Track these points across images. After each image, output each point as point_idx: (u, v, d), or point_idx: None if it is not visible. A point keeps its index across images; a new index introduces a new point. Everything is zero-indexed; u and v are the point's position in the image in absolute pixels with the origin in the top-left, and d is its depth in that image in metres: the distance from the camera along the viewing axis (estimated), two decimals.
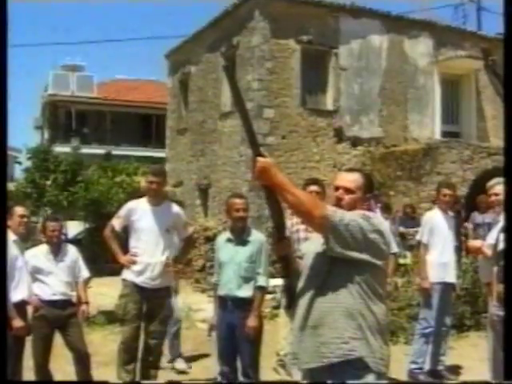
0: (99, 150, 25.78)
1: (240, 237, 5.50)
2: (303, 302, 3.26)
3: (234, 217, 5.49)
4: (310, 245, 3.54)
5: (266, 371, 6.03)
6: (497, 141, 18.17)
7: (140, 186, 6.48)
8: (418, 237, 7.17)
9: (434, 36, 18.44)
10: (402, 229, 12.96)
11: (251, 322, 5.33)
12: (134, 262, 5.95)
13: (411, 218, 13.40)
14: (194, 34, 19.89)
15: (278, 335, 5.54)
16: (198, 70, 19.68)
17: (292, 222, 5.33)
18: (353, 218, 3.13)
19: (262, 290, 5.44)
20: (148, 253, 5.97)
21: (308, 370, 3.28)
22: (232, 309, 5.41)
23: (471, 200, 12.73)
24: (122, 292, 6.07)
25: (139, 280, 5.95)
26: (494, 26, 30.17)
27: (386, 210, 12.24)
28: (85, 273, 6.37)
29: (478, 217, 11.90)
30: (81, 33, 70.41)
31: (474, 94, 18.91)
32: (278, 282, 7.52)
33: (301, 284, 3.34)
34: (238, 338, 5.42)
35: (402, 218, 13.68)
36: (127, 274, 6.03)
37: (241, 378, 5.59)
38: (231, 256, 5.47)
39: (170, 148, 22.06)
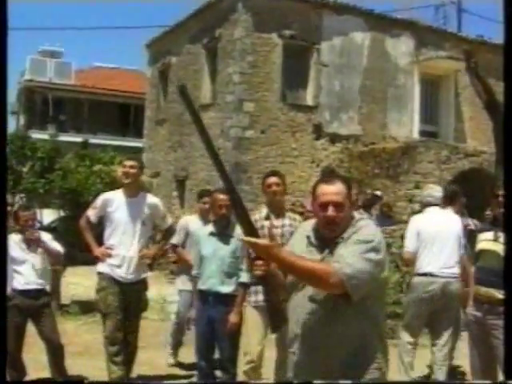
0: (76, 138, 25.44)
1: (224, 231, 5.47)
2: (307, 327, 3.02)
3: (217, 213, 5.47)
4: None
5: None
6: (474, 142, 18.37)
7: (117, 175, 6.36)
8: None
9: (416, 36, 18.53)
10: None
11: (233, 318, 5.33)
12: (109, 255, 5.84)
13: (388, 217, 13.46)
14: (175, 24, 19.78)
15: (250, 338, 5.31)
16: (178, 61, 19.57)
17: (255, 218, 5.22)
18: (362, 267, 2.87)
19: (245, 286, 5.41)
20: (124, 245, 5.87)
21: None
22: (213, 304, 5.38)
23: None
24: (99, 285, 5.93)
25: (116, 274, 5.85)
26: (474, 28, 30.41)
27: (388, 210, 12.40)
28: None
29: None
30: (60, 18, 69.64)
31: (452, 95, 19.05)
32: None
33: (298, 303, 3.07)
34: (217, 332, 5.39)
35: (379, 217, 13.72)
36: (103, 268, 5.90)
37: (218, 373, 5.59)
38: (214, 250, 5.43)
39: (147, 138, 21.94)
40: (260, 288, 4.79)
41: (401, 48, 18.42)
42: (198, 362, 5.54)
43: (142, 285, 6.05)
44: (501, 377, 5.03)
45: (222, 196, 5.37)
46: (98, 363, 6.26)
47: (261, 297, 4.80)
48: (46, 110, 30.40)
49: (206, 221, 6.65)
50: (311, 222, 3.22)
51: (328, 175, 3.88)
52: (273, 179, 5.44)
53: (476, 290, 4.94)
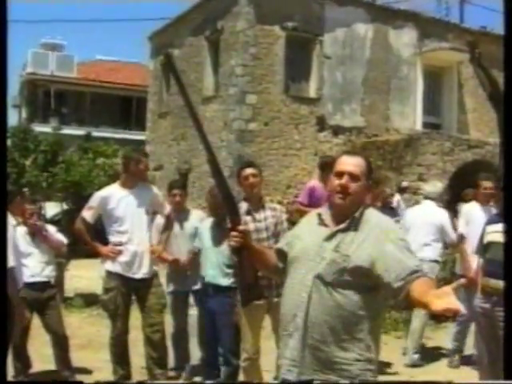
0: (78, 131, 25.40)
1: (222, 223, 5.36)
2: (302, 306, 2.92)
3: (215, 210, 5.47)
4: (316, 238, 3.00)
5: None
6: (477, 133, 18.32)
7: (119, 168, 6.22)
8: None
9: (418, 27, 18.45)
10: None
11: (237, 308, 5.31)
12: (119, 253, 5.57)
13: (390, 208, 13.43)
14: (178, 16, 19.73)
15: (245, 335, 5.10)
16: (181, 54, 19.49)
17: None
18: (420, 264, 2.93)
19: None
20: (133, 241, 5.61)
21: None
22: (213, 296, 5.37)
23: (454, 192, 12.79)
24: (107, 285, 5.69)
25: (127, 271, 5.60)
26: (476, 19, 30.27)
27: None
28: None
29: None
30: (62, 11, 69.51)
31: (455, 87, 18.99)
32: None
33: (293, 289, 2.97)
34: (218, 325, 5.38)
35: (381, 208, 13.69)
36: (112, 266, 5.64)
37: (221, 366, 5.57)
38: (214, 243, 5.41)
39: (150, 131, 21.90)
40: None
41: (403, 39, 18.34)
42: (202, 354, 5.51)
43: (155, 279, 5.78)
44: None
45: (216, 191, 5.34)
46: (101, 356, 6.26)
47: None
48: (48, 103, 30.35)
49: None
50: (324, 207, 3.16)
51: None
52: (249, 170, 5.15)
53: (485, 282, 4.91)
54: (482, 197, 6.98)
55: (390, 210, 13.12)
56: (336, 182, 2.98)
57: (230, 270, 5.34)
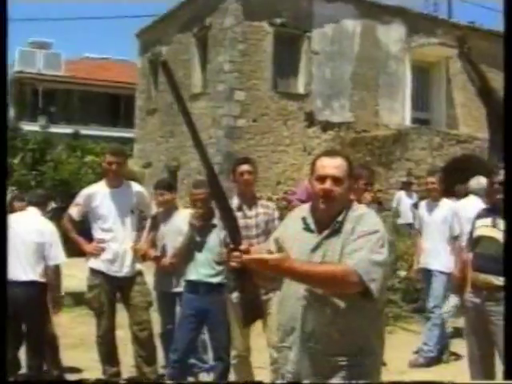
0: (67, 130, 25.36)
1: (208, 222, 5.35)
2: (299, 319, 2.90)
3: (193, 207, 5.38)
4: (303, 247, 2.94)
5: None
6: (466, 128, 18.36)
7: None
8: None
9: (407, 22, 18.47)
10: None
11: None
12: (102, 250, 5.60)
13: (378, 203, 13.45)
14: (165, 13, 19.66)
15: (234, 333, 5.08)
16: (169, 50, 19.43)
17: None
18: (376, 261, 2.77)
19: None
20: (116, 239, 5.64)
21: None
22: (204, 294, 5.31)
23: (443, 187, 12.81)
24: (91, 283, 5.71)
25: (110, 269, 5.63)
26: (465, 14, 30.34)
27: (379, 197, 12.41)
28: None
29: None
30: (48, 9, 69.14)
31: (444, 82, 19.03)
32: None
33: (292, 294, 2.94)
34: (210, 322, 5.33)
35: (369, 204, 13.72)
36: (95, 263, 5.67)
37: (211, 362, 5.53)
38: (201, 240, 5.34)
39: (139, 128, 21.82)
40: None
41: (392, 35, 18.35)
42: (174, 354, 5.34)
43: (139, 277, 5.79)
44: (499, 363, 5.02)
45: (195, 190, 5.27)
46: (92, 355, 6.20)
47: None
48: (36, 102, 30.22)
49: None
50: (307, 206, 3.10)
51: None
52: (245, 167, 5.09)
53: (475, 276, 4.90)
54: (426, 192, 7.17)
55: (378, 206, 13.22)
56: (318, 186, 2.91)
57: (220, 268, 5.28)
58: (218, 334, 5.32)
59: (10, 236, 4.58)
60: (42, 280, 5.57)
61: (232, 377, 5.28)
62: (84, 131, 24.55)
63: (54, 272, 5.64)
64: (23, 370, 5.81)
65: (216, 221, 5.30)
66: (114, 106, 31.27)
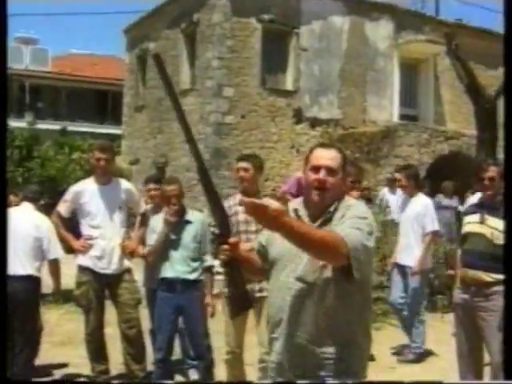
0: (54, 126, 25.24)
1: (181, 218, 5.33)
2: (293, 310, 2.88)
3: (167, 204, 5.32)
4: (287, 246, 2.80)
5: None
6: (453, 125, 18.44)
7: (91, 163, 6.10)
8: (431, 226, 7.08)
9: (395, 19, 18.50)
10: None
11: (209, 300, 5.30)
12: (90, 247, 5.56)
13: (367, 200, 13.50)
14: (153, 9, 19.58)
15: (227, 328, 5.03)
16: (156, 46, 19.36)
17: (229, 204, 4.98)
18: (362, 240, 2.73)
19: (211, 269, 5.39)
20: (105, 236, 5.62)
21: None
22: (181, 291, 5.25)
23: (431, 183, 12.88)
24: (79, 279, 5.69)
25: (98, 266, 5.61)
26: (452, 12, 30.44)
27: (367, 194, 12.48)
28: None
29: (444, 200, 12.23)
30: (34, 4, 68.74)
31: (432, 78, 19.09)
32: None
33: (282, 285, 2.92)
34: (189, 320, 5.30)
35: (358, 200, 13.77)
36: (83, 260, 5.64)
37: (189, 361, 5.49)
38: (176, 237, 5.30)
39: (126, 125, 21.75)
40: None
41: (380, 32, 18.38)
42: (159, 353, 5.29)
43: (127, 274, 5.76)
44: (487, 358, 5.05)
45: (169, 187, 5.26)
46: (81, 352, 6.18)
47: None
48: (22, 98, 30.03)
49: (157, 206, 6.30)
50: (299, 199, 3.11)
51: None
52: (240, 164, 5.10)
53: (463, 272, 4.92)
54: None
55: (367, 202, 13.26)
56: (313, 177, 2.92)
57: (195, 264, 5.29)
58: (196, 331, 5.31)
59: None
60: (39, 274, 5.59)
61: (223, 373, 5.27)
62: (71, 127, 24.40)
63: (55, 266, 5.68)
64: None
65: (190, 216, 5.34)
66: (102, 102, 31.14)
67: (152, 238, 5.38)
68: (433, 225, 6.94)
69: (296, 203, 3.07)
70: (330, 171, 2.90)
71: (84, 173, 10.66)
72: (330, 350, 2.86)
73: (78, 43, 77.28)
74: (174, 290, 5.27)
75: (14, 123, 20.70)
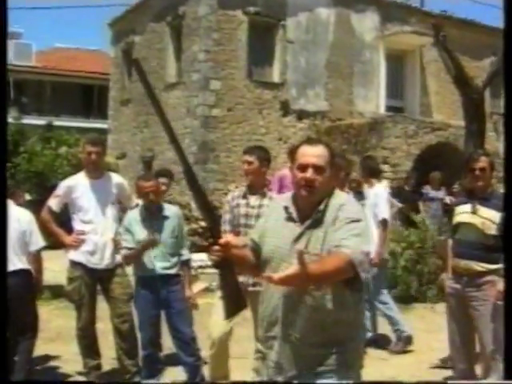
0: (39, 121, 25.06)
1: (157, 214, 5.29)
2: (282, 309, 2.88)
3: (144, 200, 5.29)
4: (286, 236, 2.90)
5: None
6: (440, 116, 18.49)
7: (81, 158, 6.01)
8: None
9: (380, 11, 18.52)
10: None
11: (189, 293, 5.29)
12: (81, 242, 5.50)
13: (357, 192, 13.50)
14: (138, 2, 19.47)
15: (212, 323, 4.93)
16: (142, 40, 19.27)
17: (233, 195, 5.02)
18: (364, 249, 2.75)
19: (189, 262, 5.43)
20: (97, 231, 5.55)
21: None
22: (162, 286, 5.21)
23: (418, 175, 12.92)
24: (71, 274, 5.62)
25: (90, 261, 5.54)
26: (437, 3, 30.46)
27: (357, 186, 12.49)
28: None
29: (431, 192, 12.21)
30: None
31: (418, 70, 19.13)
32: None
33: (271, 292, 2.90)
34: (171, 314, 5.26)
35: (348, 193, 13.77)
36: (75, 255, 5.57)
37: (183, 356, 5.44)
38: (152, 233, 5.21)
39: (113, 119, 21.63)
40: None
41: (366, 23, 18.38)
42: (146, 351, 5.29)
43: (119, 269, 5.69)
44: (478, 349, 5.07)
45: (146, 183, 5.21)
46: (71, 348, 6.15)
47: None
48: (6, 93, 29.79)
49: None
50: (288, 195, 3.07)
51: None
52: (244, 157, 5.05)
53: (455, 263, 4.93)
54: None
55: (358, 194, 13.26)
56: (300, 175, 2.87)
57: (174, 259, 5.28)
58: (183, 325, 5.28)
59: None
60: (28, 267, 5.54)
61: (207, 370, 5.23)
62: (57, 122, 24.22)
63: (37, 258, 5.63)
64: None
65: (167, 211, 5.30)
66: (87, 96, 30.98)
67: (129, 240, 5.27)
68: (382, 213, 6.94)
69: (285, 200, 3.03)
70: (318, 169, 2.85)
71: (71, 168, 10.56)
72: (327, 347, 2.85)
73: (62, 38, 76.83)
74: (155, 286, 5.24)
75: None
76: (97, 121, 27.84)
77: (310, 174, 2.84)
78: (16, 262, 5.47)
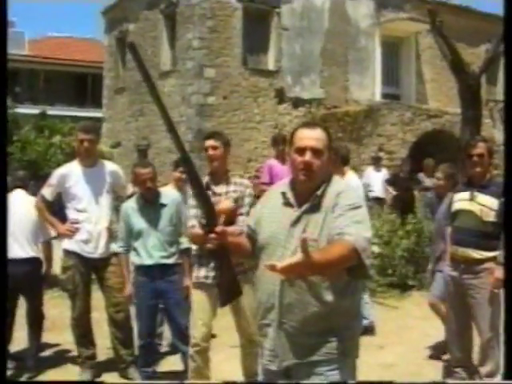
0: (32, 110, 24.91)
1: (155, 202, 5.22)
2: (277, 296, 2.84)
3: (141, 188, 5.21)
4: (283, 221, 2.86)
5: None
6: (436, 103, 18.44)
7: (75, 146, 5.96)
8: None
9: None
10: None
11: (187, 282, 5.11)
12: (76, 231, 5.43)
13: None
14: None
15: (195, 319, 4.70)
16: (136, 28, 19.14)
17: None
18: (367, 235, 2.71)
19: (188, 251, 5.25)
20: (91, 220, 5.48)
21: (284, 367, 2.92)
22: (161, 276, 5.16)
23: (414, 162, 12.86)
24: (65, 264, 5.56)
25: (84, 250, 5.49)
26: None
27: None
28: None
29: (426, 180, 12.01)
30: None
31: (413, 57, 19.09)
32: None
33: (267, 278, 2.84)
34: (170, 304, 5.21)
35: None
36: (69, 244, 5.51)
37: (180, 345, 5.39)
38: (150, 222, 5.18)
39: (107, 108, 21.51)
40: (203, 262, 4.50)
41: (361, 10, 18.28)
42: (144, 340, 5.24)
43: (114, 258, 5.59)
44: (476, 337, 5.04)
45: (143, 170, 5.13)
46: (66, 338, 6.12)
47: (203, 272, 4.52)
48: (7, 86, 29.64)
49: (182, 191, 6.21)
50: (285, 181, 3.02)
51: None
52: (209, 142, 4.66)
53: (453, 250, 4.90)
54: None
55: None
56: (298, 159, 2.82)
57: (173, 249, 5.21)
58: (178, 315, 5.21)
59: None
60: (40, 255, 5.76)
61: (219, 365, 5.16)
62: (51, 111, 24.10)
63: (48, 246, 5.85)
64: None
65: (164, 198, 5.24)
66: (81, 85, 30.83)
67: (125, 229, 5.26)
68: None
69: (283, 186, 2.99)
70: (316, 152, 2.80)
71: (65, 156, 10.50)
72: (323, 336, 2.82)
73: (54, 26, 76.38)
74: (153, 275, 5.18)
75: None
76: (91, 109, 27.71)
77: (308, 157, 2.79)
78: (29, 250, 5.72)
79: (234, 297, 3.19)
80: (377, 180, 12.72)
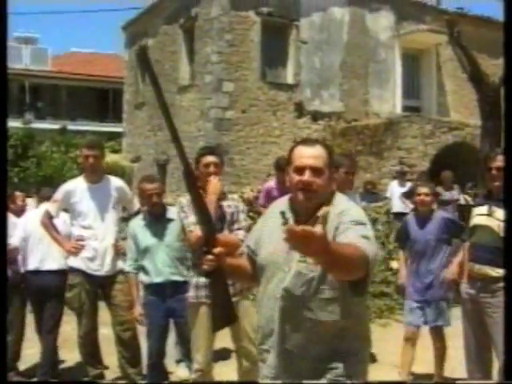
0: (54, 125, 25.12)
1: (161, 217, 5.11)
2: (277, 321, 2.70)
3: (148, 203, 5.11)
4: (283, 242, 2.47)
5: None
6: (457, 115, 18.21)
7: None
8: None
9: (395, 9, 18.30)
10: (363, 204, 12.87)
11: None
12: (81, 248, 5.32)
13: (372, 194, 13.32)
14: (151, 5, 19.47)
15: (196, 343, 4.53)
16: (155, 43, 19.20)
17: (182, 204, 4.47)
18: (372, 249, 2.49)
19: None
20: (96, 237, 5.40)
21: None
22: (171, 294, 5.02)
23: (434, 175, 12.65)
24: (71, 282, 5.49)
25: (90, 268, 5.41)
26: (452, 1, 30.13)
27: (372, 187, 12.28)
28: None
29: (444, 193, 11.74)
30: (33, 3, 68.61)
31: (434, 69, 18.88)
32: None
33: (271, 295, 2.71)
34: (178, 321, 5.09)
35: (363, 194, 13.55)
36: (75, 262, 5.44)
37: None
38: (157, 237, 5.07)
39: (127, 123, 21.59)
40: (201, 281, 4.29)
41: (381, 22, 18.16)
42: (151, 359, 5.13)
43: (120, 276, 5.52)
44: (495, 358, 4.85)
45: (149, 185, 5.03)
46: (77, 355, 6.02)
47: (203, 292, 4.31)
48: (22, 98, 29.93)
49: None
50: (285, 199, 2.87)
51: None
52: (210, 159, 4.46)
53: (470, 267, 4.72)
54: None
55: (372, 195, 13.04)
56: (297, 178, 2.67)
57: (181, 265, 5.00)
58: (187, 331, 5.09)
59: (37, 229, 5.62)
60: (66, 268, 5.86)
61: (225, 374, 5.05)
62: (72, 126, 24.28)
63: None
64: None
65: (171, 213, 5.09)
66: (102, 100, 31.02)
67: (133, 247, 5.14)
68: None
69: (283, 204, 2.84)
70: (316, 171, 2.65)
71: (80, 171, 10.46)
72: (327, 361, 2.67)
73: (77, 42, 77.23)
74: (163, 294, 5.07)
75: (13, 123, 20.62)
76: (112, 124, 27.83)
77: (307, 176, 2.64)
78: (61, 262, 5.80)
79: (228, 323, 3.03)
80: (398, 194, 12.53)
